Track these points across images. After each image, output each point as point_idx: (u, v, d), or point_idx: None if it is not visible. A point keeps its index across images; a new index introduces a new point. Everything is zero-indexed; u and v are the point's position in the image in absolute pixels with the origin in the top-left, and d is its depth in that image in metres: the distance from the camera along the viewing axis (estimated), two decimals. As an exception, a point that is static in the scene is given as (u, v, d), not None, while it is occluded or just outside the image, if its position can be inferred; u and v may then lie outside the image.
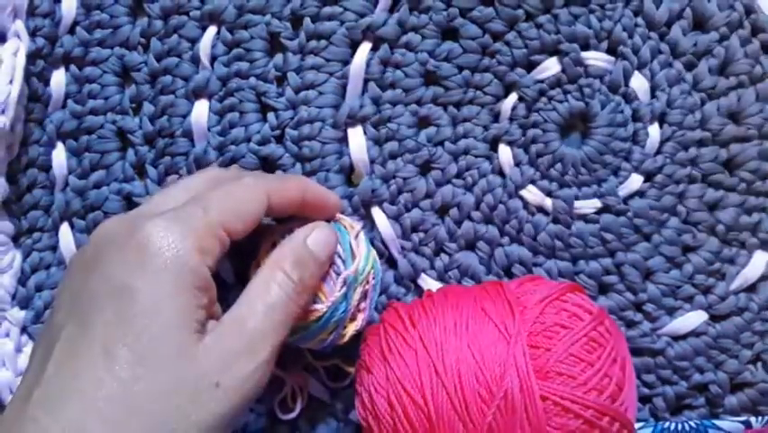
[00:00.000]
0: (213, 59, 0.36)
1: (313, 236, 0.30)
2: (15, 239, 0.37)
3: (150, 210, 0.28)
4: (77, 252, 0.29)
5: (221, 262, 0.28)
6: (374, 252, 0.34)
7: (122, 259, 0.26)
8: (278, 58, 0.36)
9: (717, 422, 0.34)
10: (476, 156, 0.36)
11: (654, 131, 0.35)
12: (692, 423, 0.35)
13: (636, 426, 0.35)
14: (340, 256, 0.32)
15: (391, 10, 0.36)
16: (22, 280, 0.37)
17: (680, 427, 0.34)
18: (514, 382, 0.28)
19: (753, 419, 0.34)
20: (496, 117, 0.36)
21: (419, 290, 0.36)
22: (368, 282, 0.33)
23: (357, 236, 0.33)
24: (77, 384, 0.24)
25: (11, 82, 0.35)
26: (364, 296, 0.32)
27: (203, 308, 0.27)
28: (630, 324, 0.36)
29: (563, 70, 0.35)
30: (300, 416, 0.36)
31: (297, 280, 0.29)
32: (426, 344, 0.29)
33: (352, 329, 0.32)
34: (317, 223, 0.31)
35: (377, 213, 0.36)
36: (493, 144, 0.36)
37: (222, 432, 0.26)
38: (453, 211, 0.36)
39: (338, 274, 0.32)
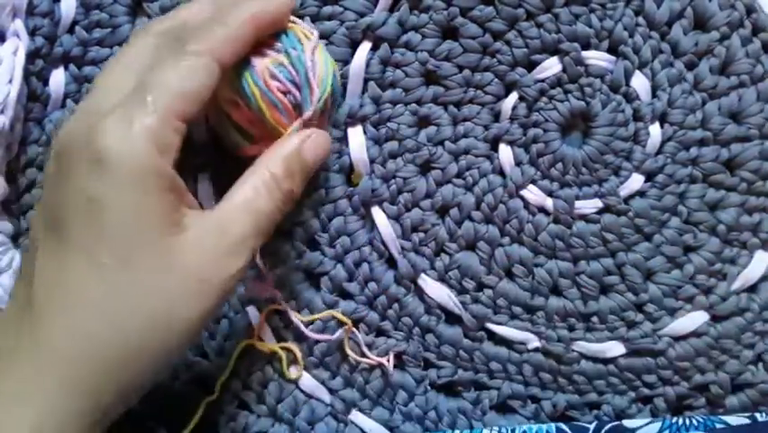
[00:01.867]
0: (212, 58, 0.36)
1: (308, 145, 0.30)
2: (14, 239, 0.37)
3: (98, 105, 0.27)
4: (46, 166, 0.29)
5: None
6: (333, 64, 0.31)
7: (83, 172, 0.26)
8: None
9: (723, 417, 0.34)
10: (476, 156, 0.36)
11: (655, 130, 0.35)
12: (699, 418, 0.34)
13: (643, 422, 0.35)
14: (294, 82, 0.30)
15: (391, 9, 0.36)
16: (21, 281, 0.37)
17: (687, 421, 0.34)
18: None
19: (758, 415, 0.34)
20: (496, 117, 0.36)
21: (419, 291, 0.36)
22: (326, 106, 0.31)
23: (314, 51, 0.30)
24: (69, 291, 0.25)
25: (10, 81, 0.34)
26: (322, 115, 0.31)
27: (174, 208, 0.27)
28: (631, 324, 0.36)
29: (564, 70, 0.35)
30: (300, 416, 0.36)
31: (286, 191, 0.29)
32: None
33: None
34: (314, 130, 0.30)
35: (377, 213, 0.36)
36: (494, 144, 0.36)
37: (203, 326, 0.27)
38: (454, 211, 0.36)
39: (294, 105, 0.30)
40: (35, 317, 0.26)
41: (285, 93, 0.30)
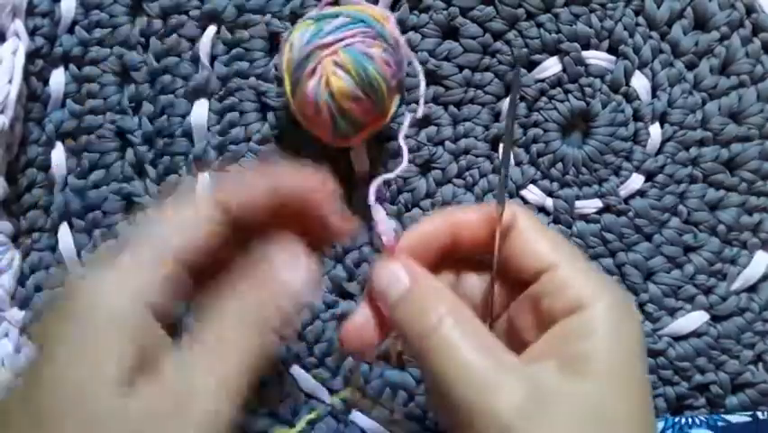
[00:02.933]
0: (213, 58, 0.36)
1: (297, 282, 0.24)
2: (15, 239, 0.37)
3: None
4: None
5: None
6: None
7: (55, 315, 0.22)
8: (278, 57, 0.36)
9: (725, 416, 0.34)
10: (476, 155, 0.36)
11: (655, 130, 0.35)
12: (702, 417, 0.34)
13: None
14: (397, 63, 0.32)
15: (392, 9, 0.36)
16: (21, 281, 0.37)
17: (690, 420, 0.34)
18: None
19: (759, 413, 0.34)
20: (496, 117, 0.36)
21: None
22: None
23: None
24: None
25: (10, 81, 0.34)
26: None
27: (130, 362, 0.21)
28: (631, 324, 0.36)
29: (564, 70, 0.35)
30: (300, 416, 0.36)
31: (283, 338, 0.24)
32: None
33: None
34: (296, 257, 0.25)
35: (377, 213, 0.36)
36: (494, 144, 0.36)
37: None
38: (454, 211, 0.36)
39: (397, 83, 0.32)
40: None
41: (393, 76, 0.32)
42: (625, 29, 0.35)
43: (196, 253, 0.24)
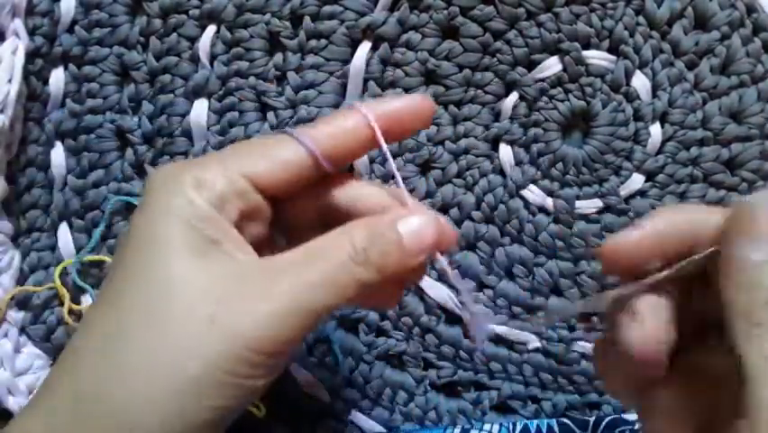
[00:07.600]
0: (212, 58, 0.36)
1: (407, 222, 0.24)
2: (14, 239, 0.37)
3: None
4: None
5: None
6: None
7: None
8: (278, 57, 0.36)
9: None
10: (477, 155, 0.36)
11: (656, 130, 0.35)
12: None
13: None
14: None
15: (391, 9, 0.36)
16: (20, 281, 0.37)
17: None
18: None
19: None
20: (497, 116, 0.36)
21: (419, 291, 0.36)
22: None
23: None
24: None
25: (10, 81, 0.34)
26: None
27: (204, 236, 0.23)
28: (631, 324, 0.36)
29: (564, 69, 0.35)
30: (301, 415, 0.36)
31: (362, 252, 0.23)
32: None
33: None
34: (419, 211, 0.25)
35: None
36: (494, 143, 0.36)
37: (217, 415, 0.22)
38: (454, 211, 0.36)
39: None
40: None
41: None
42: (625, 28, 0.35)
43: (278, 178, 0.24)
